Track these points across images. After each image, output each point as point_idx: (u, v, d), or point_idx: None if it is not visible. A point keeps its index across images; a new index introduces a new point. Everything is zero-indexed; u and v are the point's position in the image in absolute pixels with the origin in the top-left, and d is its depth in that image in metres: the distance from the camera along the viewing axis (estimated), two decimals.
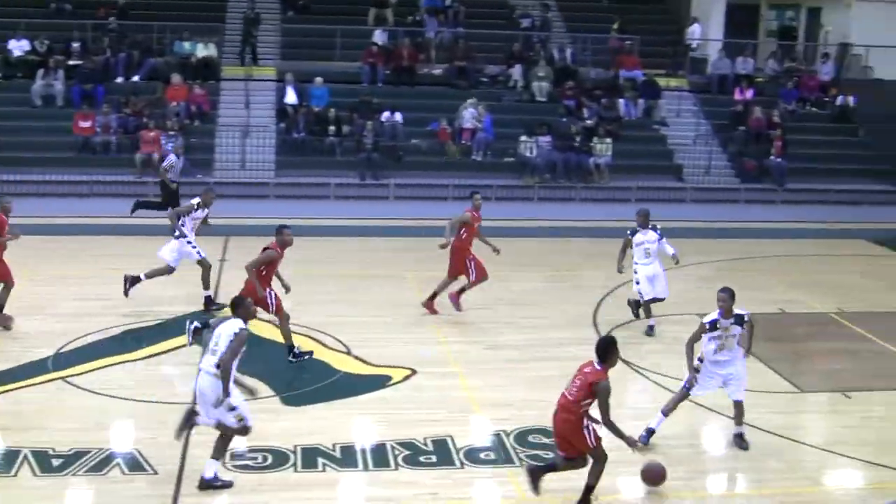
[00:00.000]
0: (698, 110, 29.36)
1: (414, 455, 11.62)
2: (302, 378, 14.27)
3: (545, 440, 12.12)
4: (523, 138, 26.30)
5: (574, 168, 26.51)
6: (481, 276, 16.97)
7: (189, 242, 17.04)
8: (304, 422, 12.62)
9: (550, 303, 18.30)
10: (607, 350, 10.43)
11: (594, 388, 10.24)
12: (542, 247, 22.58)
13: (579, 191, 26.33)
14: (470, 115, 26.91)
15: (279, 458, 11.44)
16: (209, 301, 16.99)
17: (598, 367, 10.37)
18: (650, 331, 16.49)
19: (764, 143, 27.74)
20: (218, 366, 10.43)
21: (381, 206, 25.34)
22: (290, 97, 27.72)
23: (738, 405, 12.34)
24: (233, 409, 10.60)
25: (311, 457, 11.50)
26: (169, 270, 17.05)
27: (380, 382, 14.00)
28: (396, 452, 11.67)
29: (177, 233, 16.98)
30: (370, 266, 20.48)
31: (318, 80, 27.88)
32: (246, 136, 26.50)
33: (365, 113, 27.23)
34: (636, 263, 16.44)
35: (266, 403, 12.96)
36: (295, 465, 11.33)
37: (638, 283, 16.45)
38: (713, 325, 12.08)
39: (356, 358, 14.92)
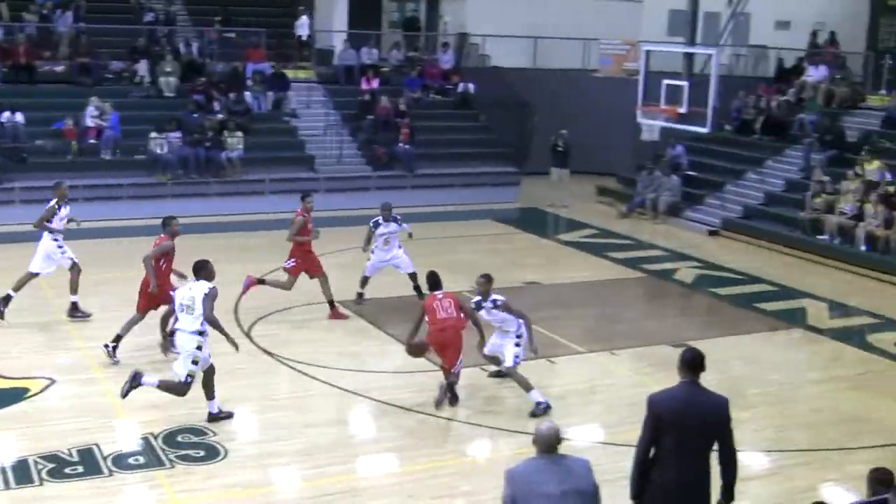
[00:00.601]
0: (327, 101, 29.74)
1: (59, 468, 11.23)
2: None
3: (195, 439, 12.08)
4: (153, 135, 25.74)
5: (206, 163, 26.24)
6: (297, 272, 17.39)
7: (60, 247, 16.71)
8: None
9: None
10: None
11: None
12: (179, 243, 22.15)
13: (213, 185, 26.10)
14: (90, 112, 25.99)
15: None
16: (74, 307, 16.79)
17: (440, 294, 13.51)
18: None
19: (392, 130, 28.48)
20: (202, 326, 12.26)
21: (7, 211, 24.02)
22: None
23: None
24: (195, 363, 12.31)
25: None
26: (32, 276, 16.75)
27: (17, 396, 13.40)
28: (40, 467, 11.21)
29: (52, 238, 16.61)
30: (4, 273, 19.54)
31: None
32: None
33: None
34: (375, 249, 18.19)
35: None
36: None
37: (369, 262, 18.22)
38: (478, 306, 13.57)
39: None
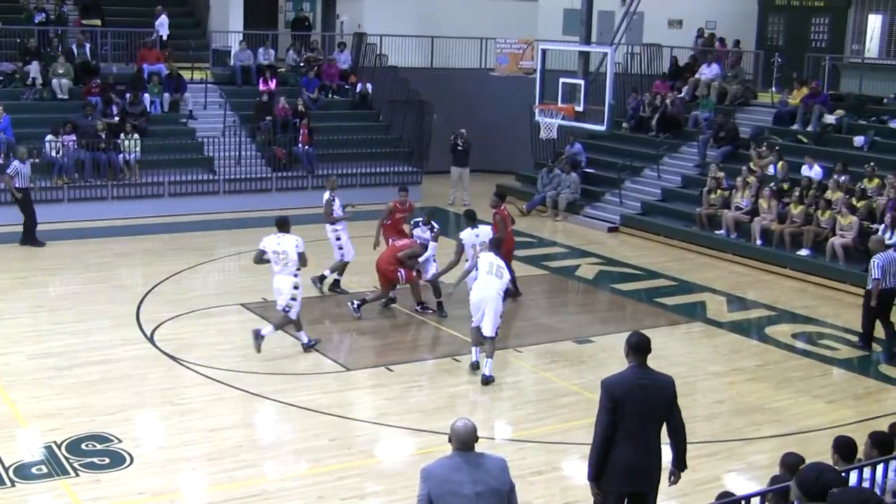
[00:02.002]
0: (225, 102, 29.46)
1: None
2: None
3: (99, 446, 11.91)
4: (49, 138, 25.23)
5: (103, 166, 25.80)
6: None
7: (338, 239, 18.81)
8: None
9: (92, 305, 17.81)
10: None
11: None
12: (77, 249, 21.88)
13: (110, 188, 25.68)
14: None
15: None
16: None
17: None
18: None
19: (291, 131, 28.31)
20: (298, 268, 15.32)
21: None
22: None
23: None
24: (294, 298, 15.25)
25: None
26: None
27: None
28: None
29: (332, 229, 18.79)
30: None
31: None
32: None
33: None
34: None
35: None
36: None
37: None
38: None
39: None
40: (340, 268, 18.83)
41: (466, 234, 17.29)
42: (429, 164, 29.73)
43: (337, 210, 18.65)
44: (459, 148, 28.81)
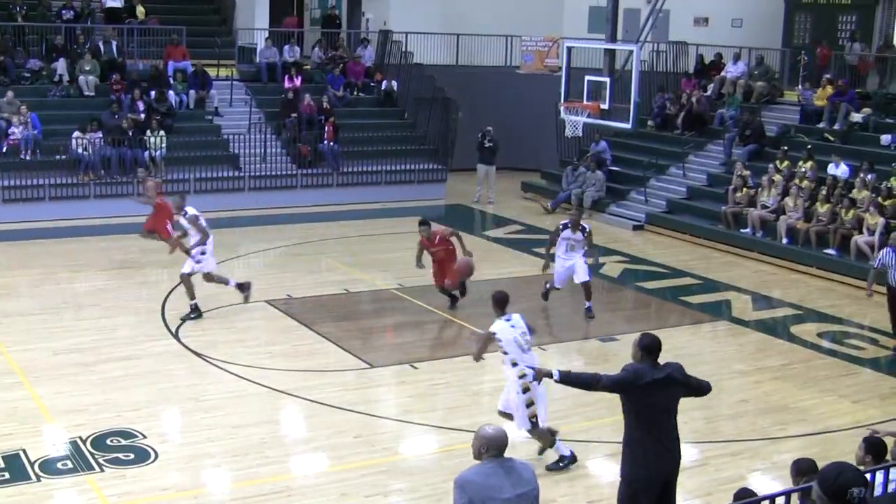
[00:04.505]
0: (250, 99, 29.53)
1: None
2: None
3: (124, 442, 11.95)
4: (76, 135, 25.34)
5: (129, 163, 25.90)
6: None
7: None
8: None
9: (117, 301, 17.88)
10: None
11: None
12: (100, 245, 21.98)
13: (136, 185, 25.73)
14: (6, 110, 25.60)
15: None
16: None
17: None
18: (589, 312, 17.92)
19: (316, 129, 28.36)
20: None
21: None
22: None
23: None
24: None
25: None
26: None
27: None
28: None
29: None
30: None
31: None
32: None
33: None
34: (557, 256, 18.08)
35: None
36: None
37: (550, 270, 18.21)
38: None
39: None
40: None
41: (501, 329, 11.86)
42: (454, 161, 29.70)
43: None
44: (486, 145, 28.76)
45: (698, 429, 12.91)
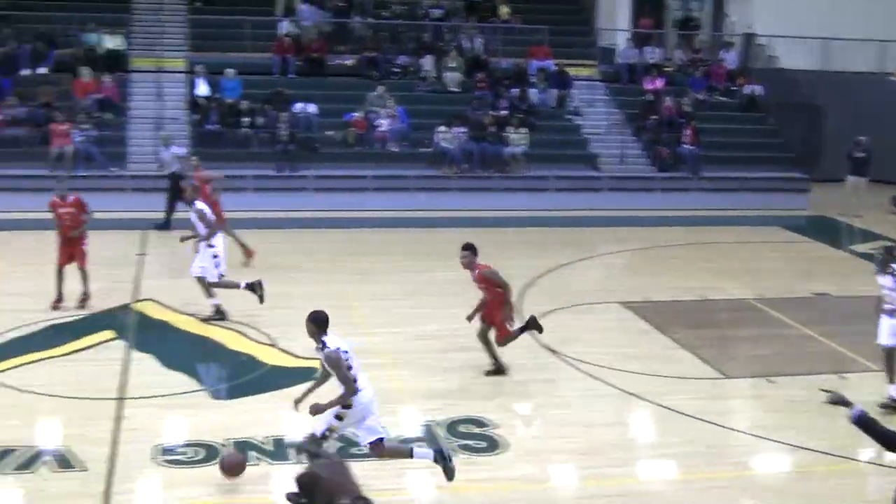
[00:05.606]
0: (610, 99, 29.54)
1: (346, 447, 11.42)
2: (229, 372, 14.10)
3: (476, 430, 12.15)
4: (441, 129, 26.21)
5: (490, 158, 26.49)
6: None
7: None
8: (234, 416, 12.43)
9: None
10: None
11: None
12: (462, 237, 22.39)
13: (497, 181, 26.33)
14: (376, 103, 26.80)
15: (211, 453, 11.25)
16: None
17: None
18: None
19: (676, 131, 28.00)
20: None
21: (300, 198, 25.07)
22: (202, 89, 27.30)
23: None
24: None
25: (243, 451, 11.29)
26: None
27: (308, 375, 13.78)
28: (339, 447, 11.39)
29: None
30: (296, 258, 20.34)
31: (230, 71, 27.43)
32: (159, 129, 25.95)
33: (278, 104, 26.91)
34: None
35: (194, 398, 12.83)
36: None
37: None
38: None
39: (282, 350, 14.75)
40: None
41: None
42: (819, 171, 28.49)
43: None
44: (859, 156, 27.38)
45: None
